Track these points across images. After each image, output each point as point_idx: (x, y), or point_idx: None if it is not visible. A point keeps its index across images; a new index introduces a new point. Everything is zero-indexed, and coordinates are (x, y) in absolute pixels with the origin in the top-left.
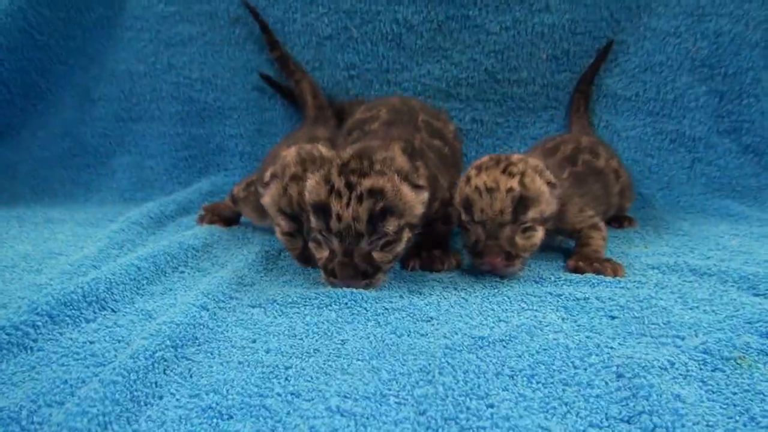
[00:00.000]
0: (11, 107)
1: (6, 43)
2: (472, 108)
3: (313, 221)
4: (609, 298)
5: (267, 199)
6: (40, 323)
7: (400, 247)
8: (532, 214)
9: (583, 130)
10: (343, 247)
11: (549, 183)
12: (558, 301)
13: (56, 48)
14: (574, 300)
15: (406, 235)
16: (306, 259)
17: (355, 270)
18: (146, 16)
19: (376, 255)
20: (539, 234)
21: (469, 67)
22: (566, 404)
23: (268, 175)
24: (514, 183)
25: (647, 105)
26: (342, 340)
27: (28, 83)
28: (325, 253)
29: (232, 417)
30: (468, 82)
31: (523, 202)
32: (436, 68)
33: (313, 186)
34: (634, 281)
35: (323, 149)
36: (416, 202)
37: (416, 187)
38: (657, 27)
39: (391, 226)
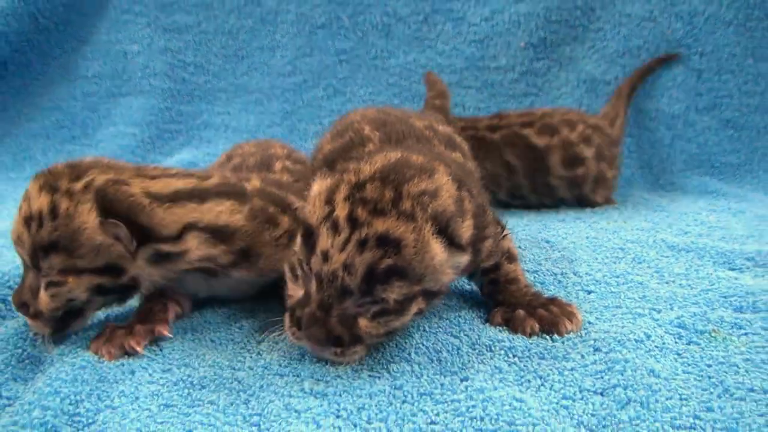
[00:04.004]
0: (5, 84)
1: (15, 26)
2: (454, 93)
3: (298, 244)
4: (586, 273)
5: None
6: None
7: (402, 321)
8: None
9: (607, 109)
10: (321, 298)
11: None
12: (535, 277)
13: (55, 32)
14: (551, 275)
15: (418, 306)
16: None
17: (327, 333)
18: (144, 2)
19: (363, 323)
20: None
21: (451, 56)
22: (541, 377)
23: None
24: None
25: None
26: None
27: (24, 63)
28: (299, 293)
29: (204, 387)
30: (451, 69)
31: None
32: (422, 56)
33: (313, 196)
34: (612, 256)
35: None
36: (446, 266)
37: (456, 247)
38: (632, 12)
39: (394, 293)
